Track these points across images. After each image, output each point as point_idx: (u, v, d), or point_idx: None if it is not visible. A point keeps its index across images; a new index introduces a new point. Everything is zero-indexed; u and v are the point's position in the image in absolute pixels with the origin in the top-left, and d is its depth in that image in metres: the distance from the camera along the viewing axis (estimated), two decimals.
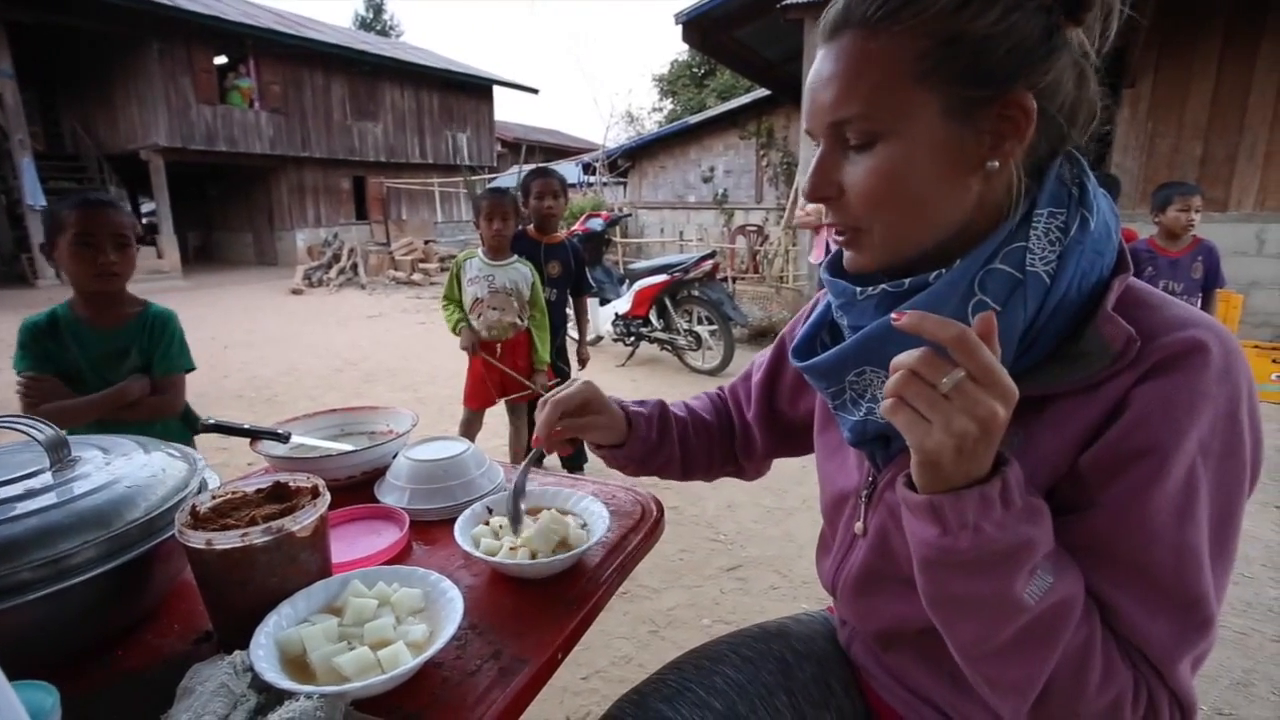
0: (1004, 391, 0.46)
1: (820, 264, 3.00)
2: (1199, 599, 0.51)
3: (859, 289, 0.61)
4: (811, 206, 3.17)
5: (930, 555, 0.51)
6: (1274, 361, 4.33)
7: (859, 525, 0.71)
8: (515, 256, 2.66)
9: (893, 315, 0.49)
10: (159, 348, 1.63)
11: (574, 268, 2.92)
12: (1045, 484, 0.56)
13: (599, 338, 5.65)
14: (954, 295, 0.55)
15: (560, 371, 2.92)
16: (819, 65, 0.57)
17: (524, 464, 0.83)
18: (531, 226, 2.86)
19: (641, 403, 0.89)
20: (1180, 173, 4.90)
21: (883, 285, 0.59)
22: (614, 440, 0.85)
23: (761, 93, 10.76)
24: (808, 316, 0.77)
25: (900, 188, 0.55)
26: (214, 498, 0.70)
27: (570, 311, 3.13)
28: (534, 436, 0.80)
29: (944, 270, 0.56)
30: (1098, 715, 0.50)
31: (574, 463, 2.92)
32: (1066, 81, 0.55)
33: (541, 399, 0.81)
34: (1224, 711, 1.69)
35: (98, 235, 1.49)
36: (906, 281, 0.58)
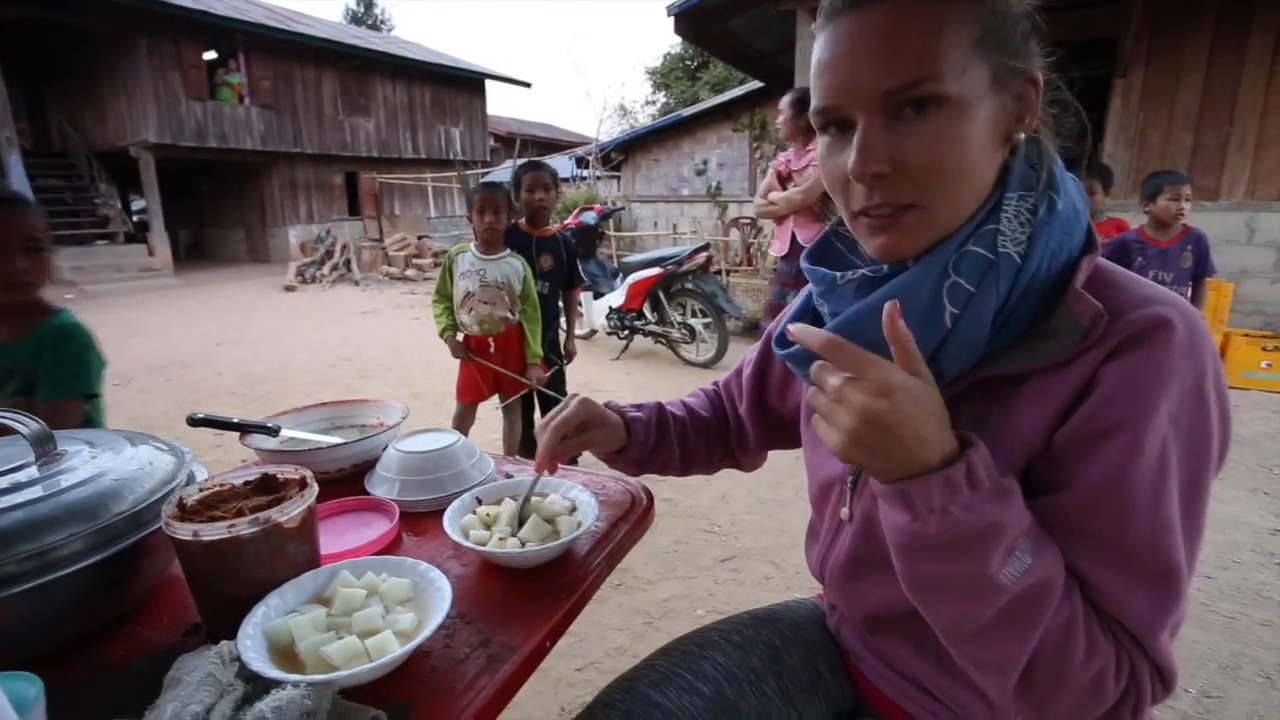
0: (876, 385, 0.48)
1: (782, 255, 2.90)
2: (1173, 569, 0.52)
3: (838, 275, 0.62)
4: (775, 195, 3.11)
5: (903, 541, 0.52)
6: (1264, 349, 4.36)
7: (845, 511, 0.72)
8: (508, 251, 2.65)
9: (789, 328, 0.52)
10: (48, 366, 1.35)
11: (565, 261, 2.91)
12: (1022, 461, 0.57)
13: (593, 331, 5.64)
14: (929, 278, 0.55)
15: (552, 364, 2.92)
16: (847, 36, 0.55)
17: (530, 486, 0.86)
18: (523, 220, 2.85)
19: (639, 407, 0.90)
20: (1171, 162, 4.91)
21: (861, 271, 0.60)
22: (615, 447, 0.86)
23: (754, 85, 10.74)
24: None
25: (964, 154, 0.54)
26: (201, 490, 0.70)
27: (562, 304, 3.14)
28: (536, 463, 0.81)
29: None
30: (1082, 689, 0.51)
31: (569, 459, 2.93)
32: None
33: (541, 422, 0.82)
34: (1211, 694, 1.71)
35: (5, 240, 1.29)
36: (885, 266, 0.58)
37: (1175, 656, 0.54)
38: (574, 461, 2.94)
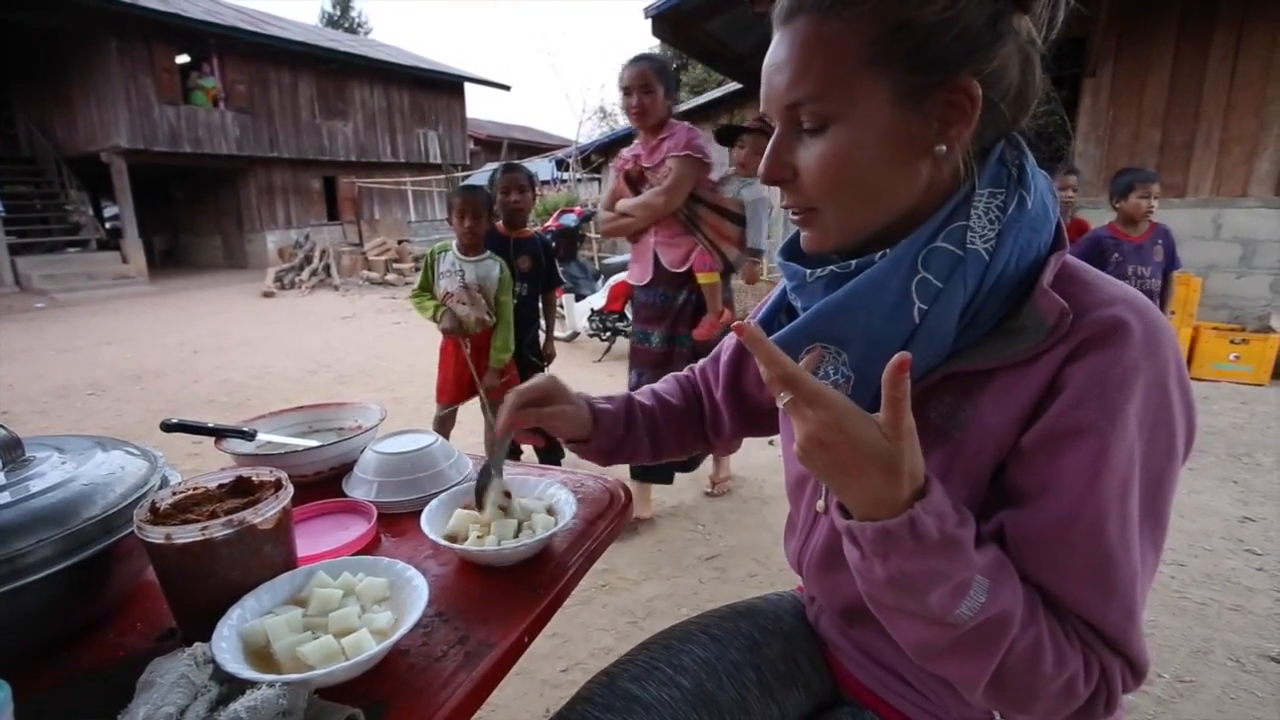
0: (823, 421, 0.49)
1: (642, 284, 2.52)
2: (1140, 569, 0.53)
3: (808, 271, 0.63)
4: (626, 202, 2.43)
5: (856, 569, 0.54)
6: (1232, 342, 4.46)
7: (820, 503, 0.73)
8: (488, 253, 2.65)
9: (734, 325, 0.52)
10: None
11: (544, 262, 2.90)
12: (992, 457, 0.58)
13: (575, 333, 5.64)
14: (898, 273, 0.56)
15: (534, 366, 2.91)
16: (774, 48, 0.59)
17: (498, 449, 0.85)
18: (500, 222, 2.85)
19: (609, 399, 0.90)
20: (1140, 159, 5.01)
21: (831, 267, 0.61)
22: (580, 434, 0.86)
23: (733, 86, 10.76)
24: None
25: (851, 171, 0.56)
26: (174, 493, 0.70)
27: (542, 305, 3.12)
28: (497, 426, 0.81)
29: (888, 250, 0.58)
30: (1054, 696, 0.52)
31: (551, 457, 2.92)
32: (1011, 68, 0.56)
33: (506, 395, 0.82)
34: (1184, 678, 1.75)
35: None
36: (853, 263, 0.60)
37: (1147, 645, 0.55)
38: (556, 461, 2.94)
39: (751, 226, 2.50)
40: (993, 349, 0.56)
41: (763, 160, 0.61)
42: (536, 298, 2.92)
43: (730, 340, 0.93)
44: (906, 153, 0.56)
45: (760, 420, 0.92)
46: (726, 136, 2.64)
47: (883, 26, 0.53)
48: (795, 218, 0.63)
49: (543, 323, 3.00)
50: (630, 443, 0.90)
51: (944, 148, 0.56)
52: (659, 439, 0.92)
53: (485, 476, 0.83)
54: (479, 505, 0.82)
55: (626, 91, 2.32)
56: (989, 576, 0.51)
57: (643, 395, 0.94)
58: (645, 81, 2.29)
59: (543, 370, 3.01)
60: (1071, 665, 0.52)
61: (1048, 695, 0.52)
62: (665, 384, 0.98)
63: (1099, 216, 4.56)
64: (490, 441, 2.84)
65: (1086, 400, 0.52)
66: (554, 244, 3.08)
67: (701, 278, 2.42)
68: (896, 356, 0.47)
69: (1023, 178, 0.58)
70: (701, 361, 0.99)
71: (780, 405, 0.51)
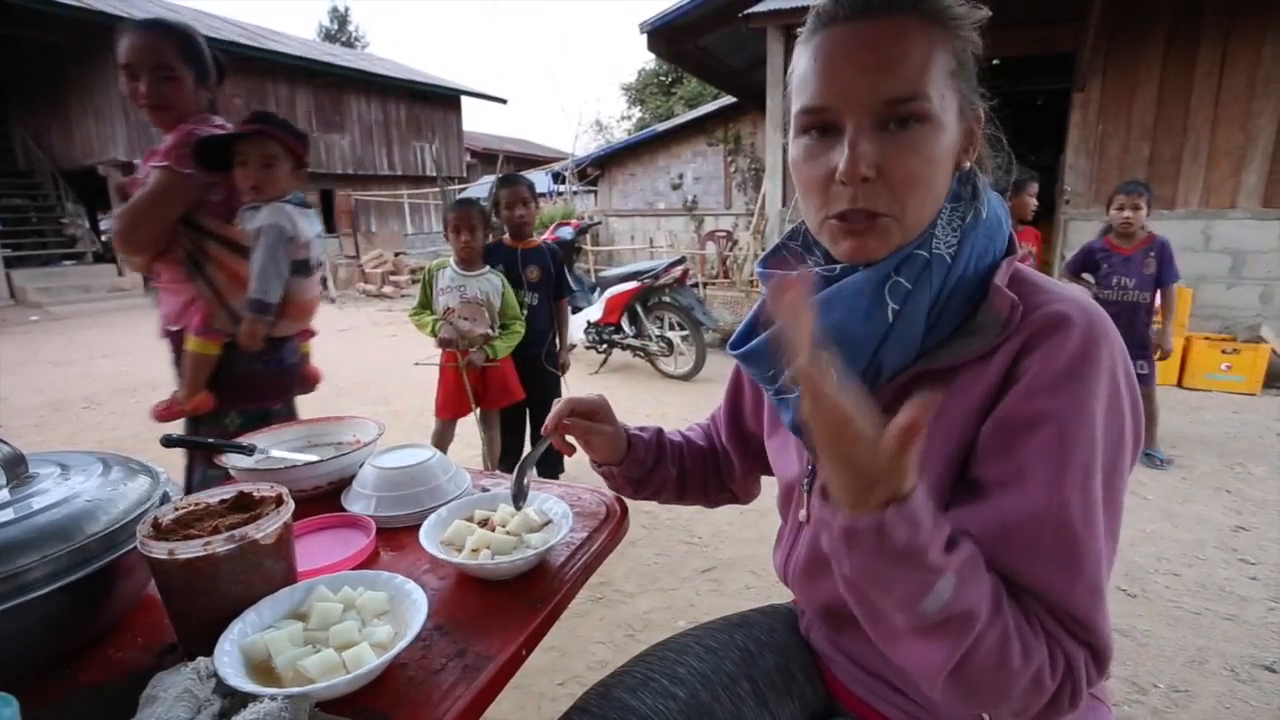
0: (824, 401, 0.48)
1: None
2: (1102, 552, 0.55)
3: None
4: (108, 221, 1.73)
5: (830, 553, 0.56)
6: (1224, 352, 4.50)
7: (803, 513, 0.74)
8: (487, 267, 2.66)
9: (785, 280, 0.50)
10: None
11: (553, 271, 2.88)
12: (957, 453, 0.61)
13: (572, 345, 5.64)
14: (876, 277, 0.61)
15: (550, 377, 2.90)
16: (850, 44, 0.58)
17: (537, 446, 0.86)
18: (507, 235, 2.85)
19: (643, 428, 0.94)
20: (1130, 172, 5.07)
21: (816, 269, 0.66)
22: (615, 457, 0.89)
23: (728, 100, 10.89)
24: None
25: (934, 171, 0.60)
26: (176, 509, 0.71)
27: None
28: (544, 426, 0.84)
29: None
30: (1024, 690, 0.53)
31: (551, 471, 2.92)
32: None
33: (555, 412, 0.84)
34: (1179, 688, 1.76)
35: None
36: (838, 268, 0.64)
37: (1109, 630, 0.56)
38: (555, 475, 2.94)
39: (257, 266, 1.62)
40: (955, 348, 0.60)
41: (848, 157, 0.57)
42: (547, 308, 2.89)
43: (726, 384, 0.95)
44: (954, 162, 0.62)
45: (764, 457, 0.93)
46: (210, 154, 1.61)
47: (959, 45, 0.59)
48: (852, 225, 0.60)
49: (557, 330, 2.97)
50: (658, 476, 0.92)
51: (969, 164, 0.63)
52: (684, 477, 0.95)
53: (522, 471, 0.84)
54: (516, 504, 0.84)
55: (130, 72, 1.60)
56: (957, 574, 0.51)
57: (672, 433, 0.98)
58: (160, 60, 1.59)
59: (559, 380, 2.98)
60: (1038, 657, 0.53)
61: (1018, 690, 0.53)
62: (694, 429, 1.02)
63: (1089, 228, 4.62)
64: (490, 460, 2.85)
65: (1042, 388, 0.56)
66: (560, 251, 3.03)
67: (191, 343, 1.67)
68: (925, 399, 0.46)
69: (976, 194, 0.64)
70: (716, 408, 1.00)
71: (790, 374, 0.53)
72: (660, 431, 0.95)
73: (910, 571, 0.50)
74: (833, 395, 0.47)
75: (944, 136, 0.59)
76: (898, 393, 0.63)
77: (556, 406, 0.84)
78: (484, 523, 0.86)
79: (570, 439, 0.86)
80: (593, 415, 0.86)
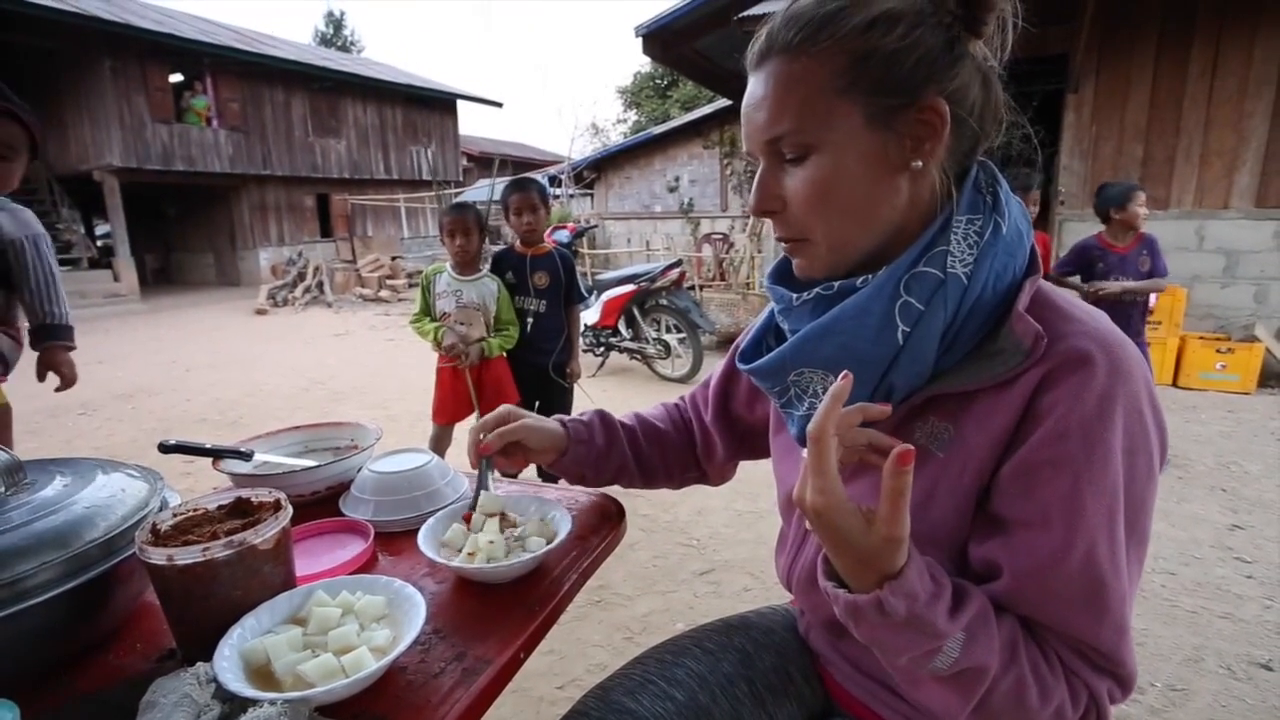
0: (814, 493, 0.51)
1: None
2: (1129, 587, 0.55)
3: (795, 295, 0.65)
4: None
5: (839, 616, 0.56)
6: (1219, 351, 4.52)
7: (807, 521, 0.74)
8: (484, 272, 2.66)
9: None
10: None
11: (563, 277, 2.80)
12: (975, 481, 0.59)
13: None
14: (881, 297, 0.59)
15: (557, 387, 2.84)
16: (750, 91, 0.62)
17: (479, 474, 0.89)
18: (517, 242, 2.80)
19: (581, 413, 0.95)
20: (1124, 173, 5.09)
21: (816, 290, 0.63)
22: (554, 446, 0.90)
23: (724, 102, 10.90)
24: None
25: (835, 193, 0.59)
26: (175, 515, 0.71)
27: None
28: (469, 457, 0.86)
29: (870, 275, 0.60)
30: None
31: (549, 474, 2.91)
32: (973, 86, 0.60)
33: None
34: (1176, 687, 1.76)
35: None
36: (835, 284, 0.62)
37: (1135, 658, 0.57)
38: (553, 480, 2.94)
39: (41, 283, 1.39)
40: (972, 371, 0.58)
41: (753, 193, 0.63)
42: (557, 314, 2.81)
43: (718, 367, 0.95)
44: (884, 171, 0.59)
45: (753, 442, 0.94)
46: None
47: (848, 58, 0.57)
48: (787, 247, 0.66)
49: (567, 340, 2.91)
50: (613, 456, 0.92)
51: (920, 163, 0.59)
52: (643, 457, 0.95)
53: (474, 498, 0.87)
54: (468, 523, 0.85)
55: None
56: (965, 632, 0.52)
57: (624, 416, 0.97)
58: None
59: (567, 390, 2.91)
60: (1056, 697, 0.54)
61: None
62: (652, 409, 1.01)
63: (1084, 229, 4.63)
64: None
65: (1066, 432, 0.54)
66: (570, 256, 2.96)
67: None
68: (898, 449, 0.48)
69: (997, 204, 0.61)
70: (693, 389, 1.01)
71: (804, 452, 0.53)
72: (601, 412, 0.96)
73: (915, 637, 0.52)
74: (833, 492, 0.51)
75: (843, 156, 0.58)
76: (911, 414, 0.63)
77: (468, 439, 0.86)
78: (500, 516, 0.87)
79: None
80: (504, 421, 0.87)
